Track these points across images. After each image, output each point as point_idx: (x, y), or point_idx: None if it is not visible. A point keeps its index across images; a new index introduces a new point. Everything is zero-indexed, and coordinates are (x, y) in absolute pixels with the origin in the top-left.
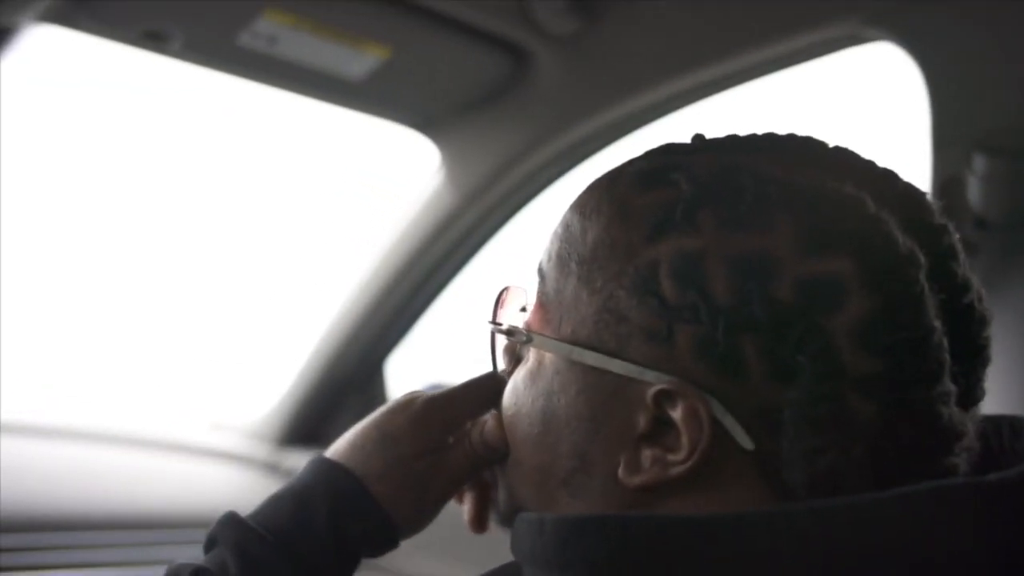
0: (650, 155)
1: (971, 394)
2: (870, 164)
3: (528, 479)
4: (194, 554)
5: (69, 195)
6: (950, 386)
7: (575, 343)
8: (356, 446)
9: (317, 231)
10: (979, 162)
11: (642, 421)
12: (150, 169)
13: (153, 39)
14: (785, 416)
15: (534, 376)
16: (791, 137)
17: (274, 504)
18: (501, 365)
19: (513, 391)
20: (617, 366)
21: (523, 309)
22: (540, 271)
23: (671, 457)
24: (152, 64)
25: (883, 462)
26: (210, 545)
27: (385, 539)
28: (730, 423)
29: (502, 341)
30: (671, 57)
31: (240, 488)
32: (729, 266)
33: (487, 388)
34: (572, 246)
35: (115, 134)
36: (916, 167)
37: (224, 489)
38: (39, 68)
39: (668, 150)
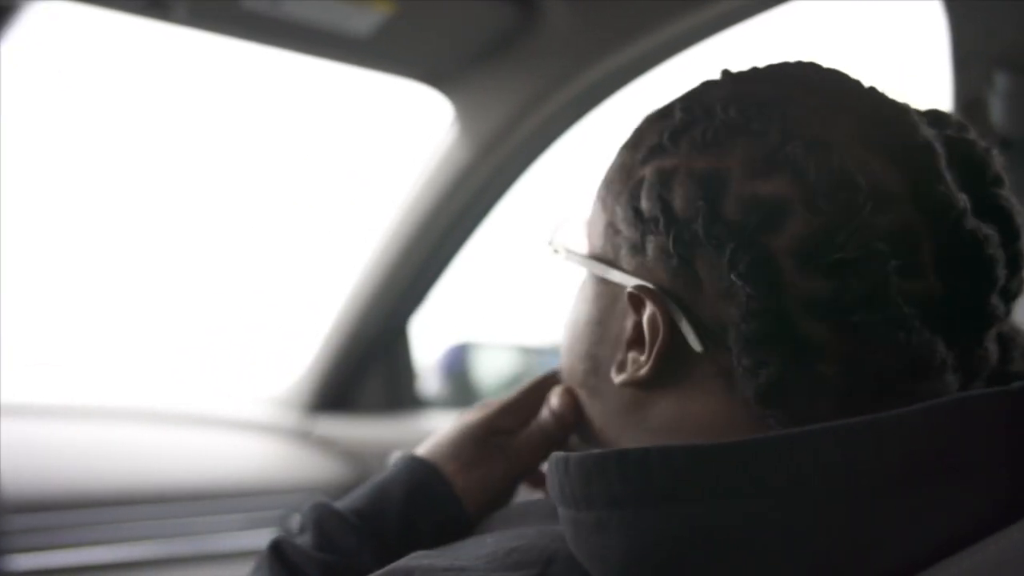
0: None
1: (980, 320)
2: (860, 89)
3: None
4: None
5: (100, 169)
6: (907, 310)
7: (588, 256)
8: (436, 440)
9: (336, 199)
10: (1001, 80)
11: (629, 326)
12: (179, 142)
13: (156, 7)
14: (730, 330)
15: (577, 290)
16: (799, 66)
17: (361, 491)
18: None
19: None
20: (611, 274)
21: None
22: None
23: (641, 359)
24: (157, 34)
25: (852, 384)
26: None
27: (457, 529)
28: (685, 328)
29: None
30: None
31: (273, 457)
32: (690, 183)
33: (546, 387)
34: (604, 172)
35: (140, 103)
36: (937, 89)
37: (258, 459)
38: (42, 49)
39: (704, 85)
